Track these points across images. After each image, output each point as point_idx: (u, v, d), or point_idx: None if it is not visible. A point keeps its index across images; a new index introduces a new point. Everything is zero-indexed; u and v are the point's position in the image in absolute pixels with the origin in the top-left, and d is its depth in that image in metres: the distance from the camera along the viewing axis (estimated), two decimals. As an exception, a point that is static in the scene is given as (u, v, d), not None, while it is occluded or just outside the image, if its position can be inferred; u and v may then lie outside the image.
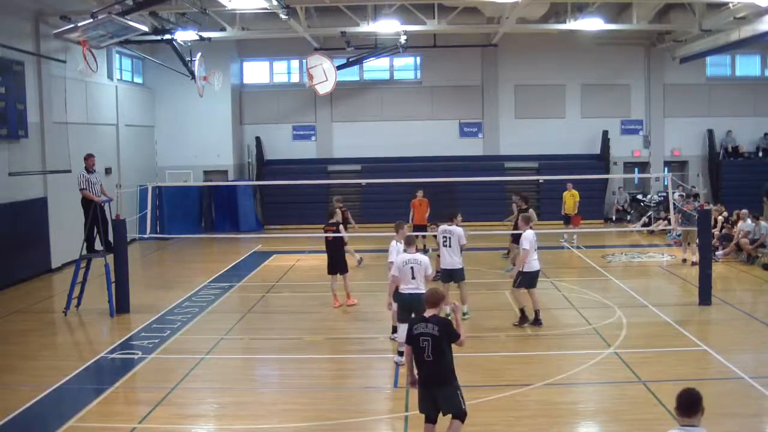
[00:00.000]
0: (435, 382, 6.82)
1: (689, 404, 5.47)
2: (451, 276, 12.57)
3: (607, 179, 26.42)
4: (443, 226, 12.76)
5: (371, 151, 26.84)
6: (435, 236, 13.52)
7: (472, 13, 21.91)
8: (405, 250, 10.46)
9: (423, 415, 7.00)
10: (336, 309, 13.84)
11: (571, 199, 21.00)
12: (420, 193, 19.05)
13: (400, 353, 9.91)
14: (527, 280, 12.19)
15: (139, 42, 20.56)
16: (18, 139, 17.08)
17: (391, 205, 23.99)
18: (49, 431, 8.16)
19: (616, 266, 18.09)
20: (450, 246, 12.44)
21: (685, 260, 18.14)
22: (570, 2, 20.54)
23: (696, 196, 21.37)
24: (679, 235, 20.23)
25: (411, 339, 6.90)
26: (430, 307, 6.99)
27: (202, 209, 26.50)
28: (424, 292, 9.92)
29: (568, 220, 21.37)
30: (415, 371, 6.99)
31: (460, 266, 12.53)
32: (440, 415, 6.96)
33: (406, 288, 10.04)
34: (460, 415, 6.84)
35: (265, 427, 8.37)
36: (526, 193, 17.49)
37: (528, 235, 12.09)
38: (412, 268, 10.03)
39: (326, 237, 14.16)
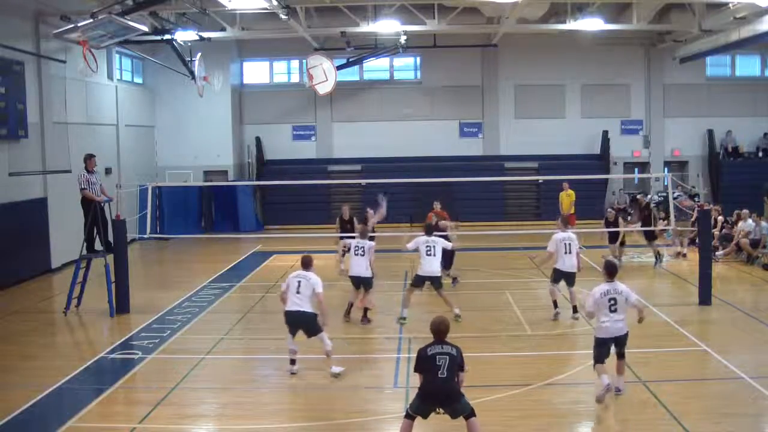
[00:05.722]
0: (447, 397, 7.13)
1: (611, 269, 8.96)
2: (431, 281, 12.75)
3: (607, 179, 26.43)
4: (425, 236, 12.76)
5: (371, 151, 26.84)
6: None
7: (472, 13, 21.92)
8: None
9: (412, 413, 7.26)
10: (337, 309, 13.84)
11: (567, 199, 20.98)
12: (437, 205, 17.57)
13: (293, 362, 9.91)
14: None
15: (139, 42, 20.55)
16: (18, 139, 17.07)
17: (390, 206, 23.95)
18: (49, 431, 8.16)
19: (616, 266, 18.06)
20: (434, 255, 12.57)
21: (679, 253, 18.35)
22: (570, 2, 20.54)
23: (695, 196, 21.37)
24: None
25: (425, 359, 7.14)
26: (441, 336, 7.26)
27: (202, 209, 26.49)
28: (308, 311, 9.66)
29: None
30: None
31: (440, 274, 12.79)
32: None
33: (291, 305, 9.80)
34: (472, 412, 7.17)
35: (265, 427, 8.37)
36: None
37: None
38: (299, 282, 9.79)
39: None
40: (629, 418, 8.38)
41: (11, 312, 14.16)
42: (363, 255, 12.76)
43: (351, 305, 13.01)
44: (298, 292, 9.69)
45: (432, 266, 12.57)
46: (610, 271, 8.94)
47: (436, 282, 12.72)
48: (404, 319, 12.62)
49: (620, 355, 8.95)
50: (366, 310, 12.90)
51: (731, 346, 11.04)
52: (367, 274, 12.73)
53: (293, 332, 9.88)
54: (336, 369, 9.85)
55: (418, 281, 12.76)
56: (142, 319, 13.18)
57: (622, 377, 9.00)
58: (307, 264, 10.04)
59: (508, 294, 14.84)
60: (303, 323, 9.77)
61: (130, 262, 14.24)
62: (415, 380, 9.43)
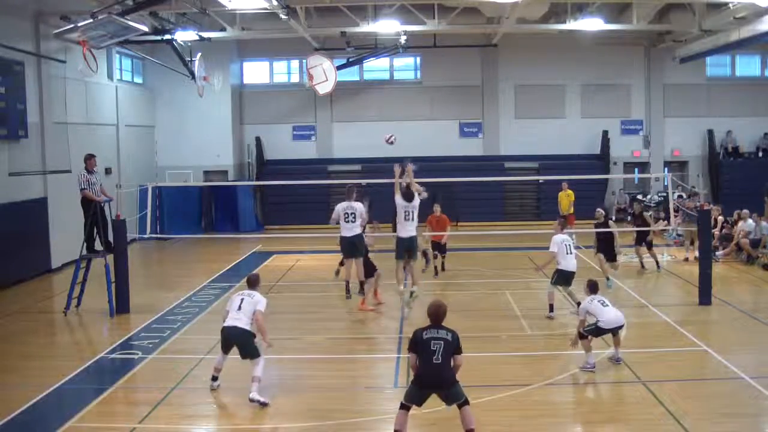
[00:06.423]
0: (441, 383, 7.14)
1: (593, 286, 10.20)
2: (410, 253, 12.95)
3: (607, 179, 26.43)
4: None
5: (371, 151, 26.77)
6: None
7: (472, 13, 21.91)
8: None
9: (407, 404, 7.25)
10: (337, 309, 13.85)
11: (566, 199, 20.96)
12: (437, 209, 17.10)
13: (215, 378, 9.37)
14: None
15: (139, 42, 20.55)
16: (18, 139, 17.07)
17: (390, 205, 24.00)
18: (49, 431, 8.15)
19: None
20: (412, 219, 12.74)
21: (686, 259, 18.25)
22: (570, 2, 20.55)
23: (695, 195, 21.30)
24: (680, 235, 20.23)
25: (420, 343, 7.17)
26: (438, 321, 7.30)
27: (202, 209, 26.49)
28: (244, 327, 9.04)
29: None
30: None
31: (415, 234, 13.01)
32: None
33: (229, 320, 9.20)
34: (466, 401, 7.20)
35: (264, 427, 8.38)
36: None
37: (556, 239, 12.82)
38: (242, 299, 9.26)
39: None
40: (629, 418, 8.37)
41: (11, 312, 14.15)
42: (354, 221, 12.85)
43: (348, 283, 13.05)
44: (239, 309, 9.11)
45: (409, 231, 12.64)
46: (593, 288, 10.20)
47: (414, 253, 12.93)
48: (412, 293, 12.66)
49: (615, 333, 10.02)
50: (362, 282, 13.01)
51: (731, 346, 11.03)
52: (359, 235, 12.83)
53: (225, 350, 9.30)
54: (257, 396, 8.76)
55: (400, 250, 12.69)
56: (142, 319, 13.18)
57: (618, 348, 10.09)
58: (252, 283, 9.57)
59: (508, 294, 14.85)
60: (237, 340, 9.05)
61: (130, 262, 14.22)
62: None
